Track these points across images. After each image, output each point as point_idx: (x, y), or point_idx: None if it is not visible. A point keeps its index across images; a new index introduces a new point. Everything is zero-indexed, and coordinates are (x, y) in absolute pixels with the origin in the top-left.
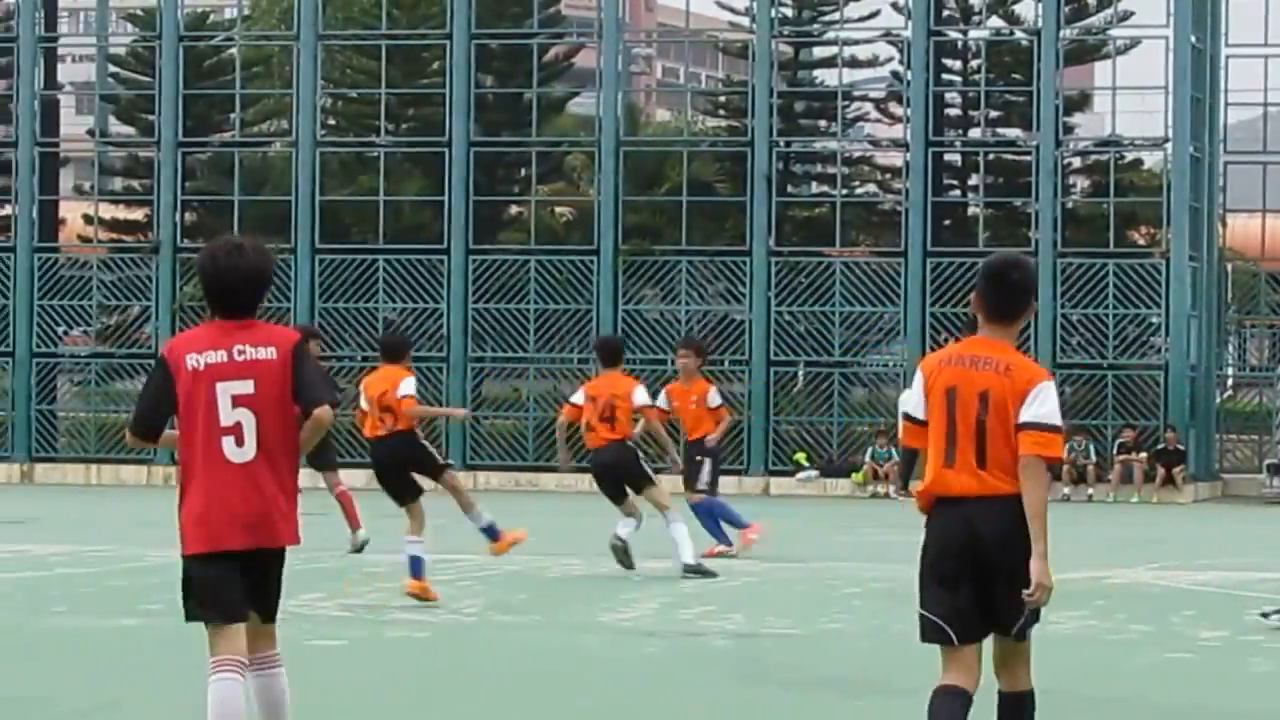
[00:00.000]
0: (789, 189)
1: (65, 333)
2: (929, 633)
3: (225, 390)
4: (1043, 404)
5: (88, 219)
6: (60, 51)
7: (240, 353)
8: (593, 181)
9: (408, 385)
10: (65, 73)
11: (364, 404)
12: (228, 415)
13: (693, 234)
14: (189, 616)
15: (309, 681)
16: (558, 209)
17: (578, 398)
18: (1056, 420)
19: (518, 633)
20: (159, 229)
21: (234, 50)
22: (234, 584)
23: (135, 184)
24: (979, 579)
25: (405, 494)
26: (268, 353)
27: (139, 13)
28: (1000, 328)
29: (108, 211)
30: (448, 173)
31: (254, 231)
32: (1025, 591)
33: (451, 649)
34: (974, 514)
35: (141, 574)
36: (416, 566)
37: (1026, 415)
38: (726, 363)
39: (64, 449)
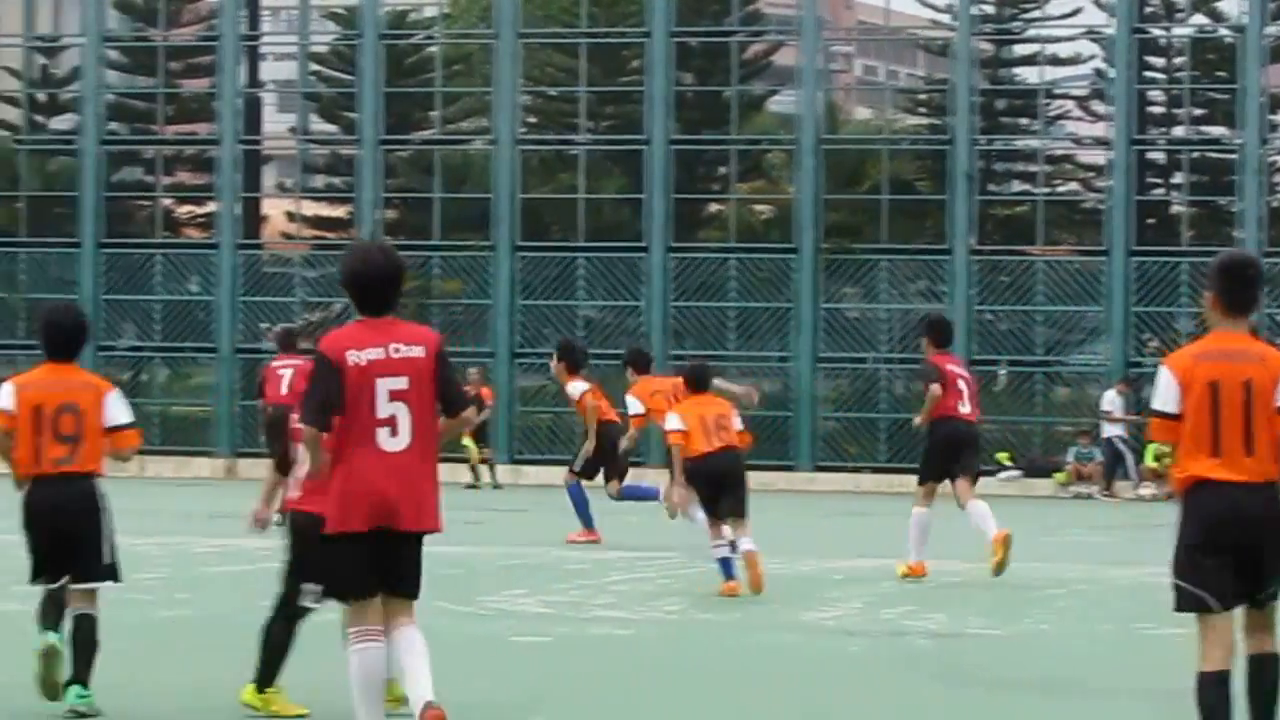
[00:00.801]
0: (990, 187)
1: (268, 329)
2: (1186, 602)
3: (384, 385)
4: None
5: (290, 216)
6: (262, 50)
7: (396, 350)
8: (792, 179)
9: (737, 421)
10: (267, 71)
11: (677, 425)
12: (385, 408)
13: (893, 232)
14: (326, 593)
15: (513, 677)
16: (757, 207)
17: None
18: None
19: (720, 631)
20: (360, 226)
21: (434, 48)
22: (368, 564)
23: (337, 181)
24: (1238, 555)
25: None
26: (419, 351)
27: (340, 11)
28: (1239, 320)
29: (310, 209)
30: (647, 171)
31: (455, 229)
32: None
33: (654, 646)
34: (1239, 497)
35: None
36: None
37: None
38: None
39: (266, 444)
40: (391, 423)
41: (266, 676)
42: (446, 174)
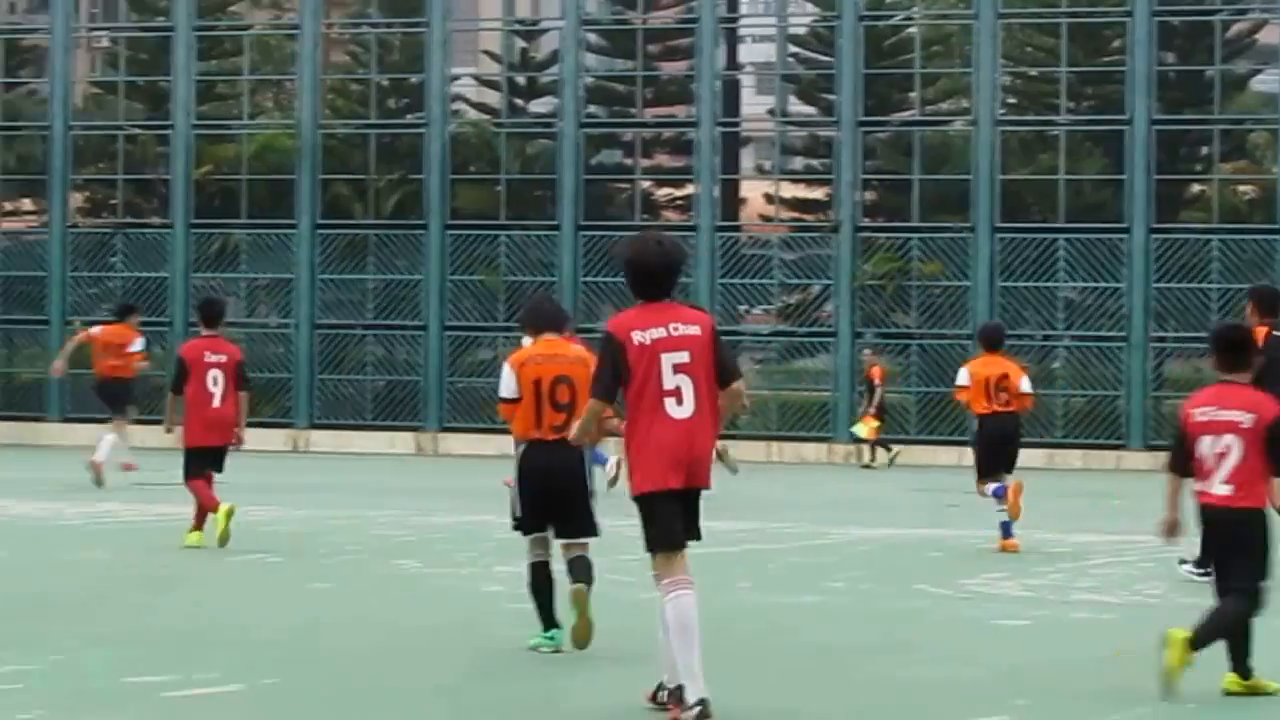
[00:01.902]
0: None
1: (746, 311)
2: None
3: (668, 360)
4: None
5: (768, 198)
6: (741, 32)
7: (675, 329)
8: (1276, 159)
9: (1026, 383)
10: (746, 53)
11: (964, 380)
12: (670, 380)
13: None
14: (654, 547)
15: (993, 659)
16: (1240, 187)
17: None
18: None
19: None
20: (839, 208)
21: (914, 29)
22: (677, 517)
23: (815, 163)
24: None
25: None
26: (695, 329)
27: None
28: None
29: (788, 191)
30: (1128, 151)
31: (934, 210)
32: None
33: (1135, 630)
34: None
35: (825, 551)
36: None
37: None
38: None
39: (745, 426)
40: (677, 393)
41: (1240, 660)
42: (926, 155)
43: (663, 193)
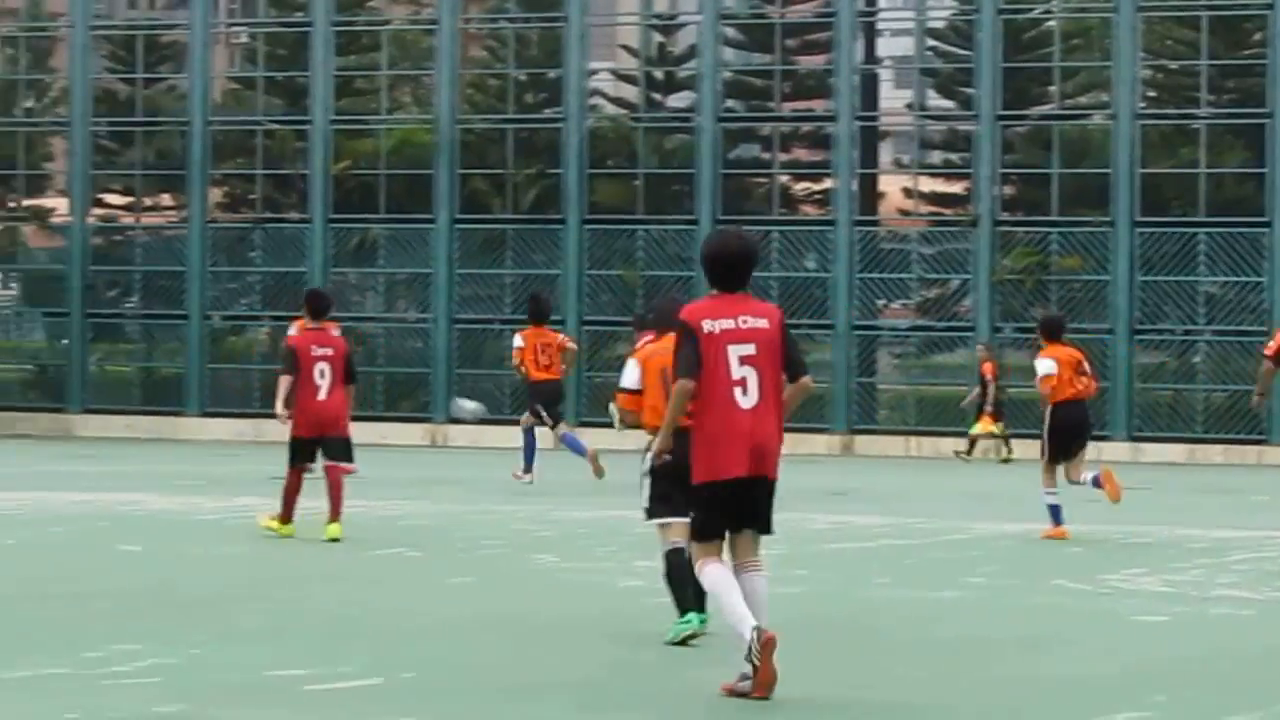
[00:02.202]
0: None
1: (885, 305)
2: None
3: (735, 351)
4: None
5: (907, 192)
6: (879, 26)
7: (744, 321)
8: None
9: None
10: (885, 46)
11: (1051, 369)
12: (737, 370)
13: None
14: (700, 535)
15: (1132, 655)
16: None
17: None
18: None
19: None
20: (978, 202)
21: (1053, 23)
22: (726, 509)
23: (954, 157)
24: None
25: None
26: (763, 322)
27: None
28: None
29: (926, 185)
30: (1270, 144)
31: (1073, 204)
32: None
33: (1277, 628)
34: None
35: (965, 546)
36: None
37: None
38: None
39: (883, 421)
40: (743, 384)
41: None
42: (1065, 149)
43: (800, 187)
